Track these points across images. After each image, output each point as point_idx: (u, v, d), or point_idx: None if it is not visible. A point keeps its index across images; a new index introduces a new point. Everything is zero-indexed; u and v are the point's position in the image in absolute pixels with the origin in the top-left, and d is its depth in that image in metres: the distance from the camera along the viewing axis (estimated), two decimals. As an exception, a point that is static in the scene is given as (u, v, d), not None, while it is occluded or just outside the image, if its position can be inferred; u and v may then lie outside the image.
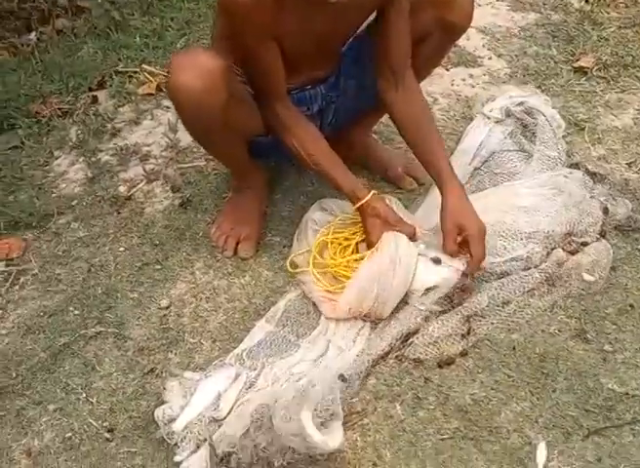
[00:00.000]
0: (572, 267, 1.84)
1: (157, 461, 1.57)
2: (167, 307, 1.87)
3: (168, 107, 2.39)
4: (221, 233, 2.00)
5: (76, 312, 1.87)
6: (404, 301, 1.75)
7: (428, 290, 1.74)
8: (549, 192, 1.96)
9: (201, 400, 1.58)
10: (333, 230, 1.86)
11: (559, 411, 1.59)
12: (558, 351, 1.70)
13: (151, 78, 2.53)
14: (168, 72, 1.64)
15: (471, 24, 1.91)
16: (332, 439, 1.47)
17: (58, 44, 2.78)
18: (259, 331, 1.78)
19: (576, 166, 2.10)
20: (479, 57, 2.59)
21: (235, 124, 1.74)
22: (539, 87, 2.42)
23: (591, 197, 1.98)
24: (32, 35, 2.86)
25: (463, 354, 1.71)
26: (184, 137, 2.25)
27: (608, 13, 2.70)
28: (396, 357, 1.71)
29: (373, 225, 1.77)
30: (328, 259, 1.81)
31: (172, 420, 1.56)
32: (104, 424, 1.64)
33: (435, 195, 1.98)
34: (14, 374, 1.74)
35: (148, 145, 2.34)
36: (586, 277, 1.81)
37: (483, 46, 2.64)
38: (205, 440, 1.53)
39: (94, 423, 1.65)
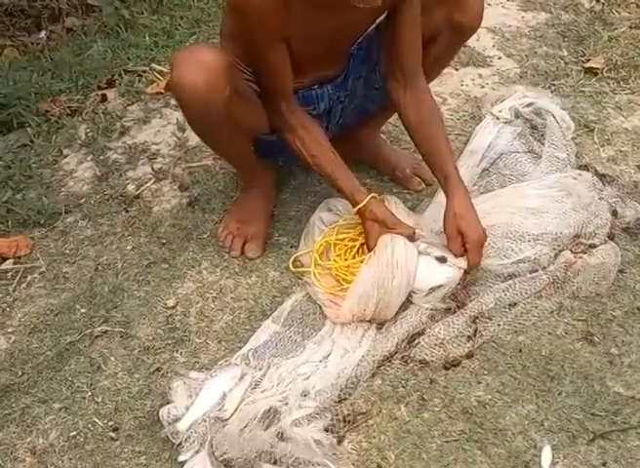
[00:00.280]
0: (579, 269, 1.83)
1: (161, 461, 1.57)
2: (173, 306, 1.87)
3: (177, 106, 2.38)
4: (228, 233, 2.00)
5: (83, 311, 1.88)
6: (408, 301, 1.75)
7: (432, 289, 1.73)
8: (558, 194, 1.95)
9: (206, 399, 1.59)
10: (337, 231, 1.86)
11: (565, 415, 1.58)
12: (564, 354, 1.69)
13: (160, 77, 2.54)
14: (171, 68, 1.64)
15: (481, 24, 1.90)
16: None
17: (67, 42, 2.80)
18: (264, 332, 1.78)
19: (585, 167, 2.09)
20: (489, 56, 2.58)
21: (239, 121, 1.74)
22: (548, 87, 2.41)
23: (600, 199, 1.97)
24: (42, 34, 2.88)
25: (469, 356, 1.70)
26: (193, 136, 2.25)
27: (619, 13, 2.69)
28: (402, 358, 1.71)
29: (371, 229, 1.77)
30: (332, 261, 1.81)
31: (176, 420, 1.56)
32: (109, 423, 1.65)
33: (443, 196, 1.98)
34: (19, 373, 1.75)
35: (157, 144, 2.35)
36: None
37: (493, 46, 2.62)
38: (209, 440, 1.53)
39: (99, 422, 1.65)
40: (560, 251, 1.86)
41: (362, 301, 1.71)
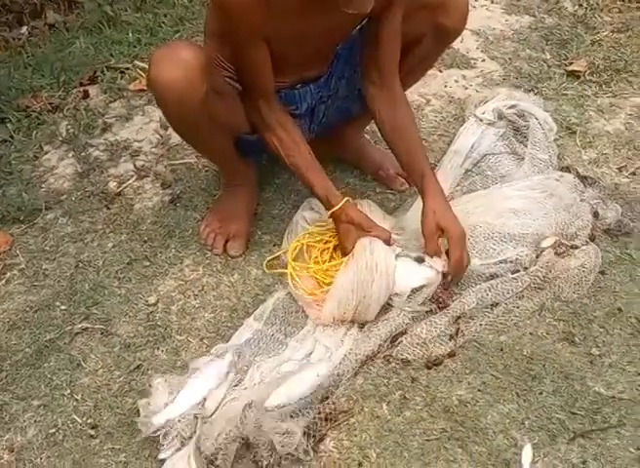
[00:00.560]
0: (561, 270, 1.84)
1: (141, 459, 1.56)
2: (154, 304, 1.86)
3: (159, 104, 2.38)
4: (211, 231, 1.99)
5: (63, 308, 1.86)
6: (389, 305, 1.75)
7: (414, 290, 1.73)
8: (540, 195, 1.96)
9: (187, 399, 1.57)
10: (309, 235, 1.86)
11: (545, 414, 1.58)
12: (546, 354, 1.70)
13: (143, 74, 2.52)
14: (149, 65, 1.64)
15: (465, 27, 1.91)
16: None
17: (49, 38, 2.78)
18: (246, 330, 1.77)
19: (567, 169, 2.11)
20: (473, 59, 2.59)
21: (218, 119, 1.74)
22: (531, 90, 2.42)
23: (581, 200, 1.98)
24: (24, 29, 2.86)
25: (451, 355, 1.71)
26: (175, 134, 2.21)
27: (601, 17, 2.71)
28: (384, 357, 1.71)
29: (347, 232, 1.77)
30: (310, 263, 1.81)
31: (154, 414, 1.54)
32: (89, 421, 1.63)
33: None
34: (-2, 369, 1.73)
35: (139, 141, 2.33)
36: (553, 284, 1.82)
37: (477, 48, 2.64)
38: (190, 437, 1.53)
39: (78, 419, 1.64)
40: (542, 251, 1.87)
41: (342, 305, 1.71)
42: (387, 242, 1.76)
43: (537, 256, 1.86)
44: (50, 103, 2.45)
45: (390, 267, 1.72)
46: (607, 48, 2.56)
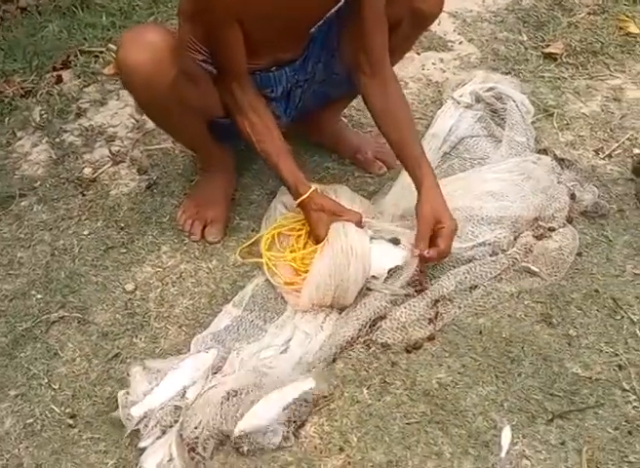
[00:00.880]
0: (539, 253, 1.85)
1: (121, 447, 1.55)
2: (132, 291, 1.85)
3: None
4: (188, 217, 1.97)
5: (39, 296, 1.84)
6: (368, 288, 1.75)
7: (391, 271, 1.73)
8: (518, 177, 1.96)
9: (166, 390, 1.57)
10: (279, 226, 1.86)
11: (524, 395, 1.60)
12: (524, 336, 1.70)
13: (117, 58, 2.48)
14: (117, 48, 1.62)
15: (442, 10, 1.90)
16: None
17: (21, 22, 2.74)
18: (225, 316, 1.76)
19: (544, 151, 2.11)
20: (450, 41, 2.58)
21: (190, 103, 1.73)
22: (508, 72, 2.42)
23: (559, 183, 1.99)
24: (-5, 13, 2.79)
25: (431, 338, 1.71)
26: (151, 119, 2.22)
27: (578, -1, 2.71)
28: (364, 342, 1.71)
29: (318, 219, 1.76)
30: (286, 252, 1.80)
31: (133, 404, 1.54)
32: (67, 410, 1.62)
33: (405, 180, 1.98)
34: (-27, 359, 1.71)
35: (114, 126, 2.30)
36: (532, 268, 1.81)
37: (454, 30, 2.63)
38: (170, 426, 1.52)
39: (56, 409, 1.62)
40: (520, 234, 1.87)
41: (320, 290, 1.71)
42: (359, 224, 1.76)
43: (515, 239, 1.86)
44: (22, 88, 2.42)
45: (365, 249, 1.72)
46: (583, 30, 2.56)
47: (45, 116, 2.33)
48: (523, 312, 1.76)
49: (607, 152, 2.15)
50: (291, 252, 1.81)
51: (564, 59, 2.46)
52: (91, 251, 1.94)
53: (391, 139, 1.84)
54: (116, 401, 1.58)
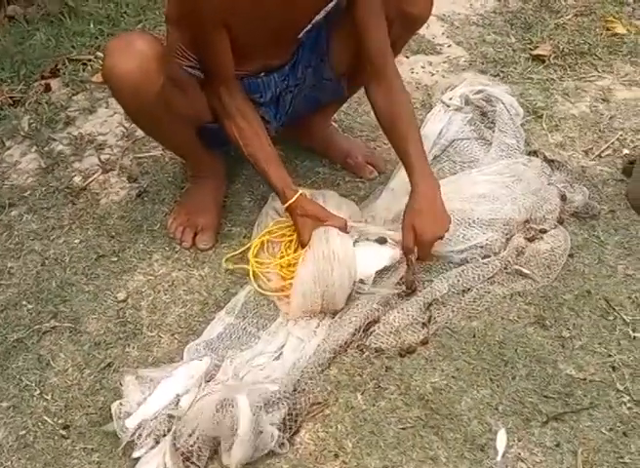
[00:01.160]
0: (531, 255, 1.85)
1: (115, 458, 1.54)
2: (124, 300, 1.84)
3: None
4: (179, 224, 1.97)
5: (30, 306, 1.83)
6: (358, 292, 1.75)
7: (379, 273, 1.74)
8: (508, 179, 1.97)
9: (159, 399, 1.56)
10: (268, 232, 1.86)
11: (518, 398, 1.59)
12: (517, 338, 1.70)
13: (106, 66, 2.47)
14: (104, 57, 1.61)
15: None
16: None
17: (9, 31, 2.73)
18: (218, 324, 1.76)
19: (534, 153, 2.11)
20: (438, 44, 2.59)
21: (178, 110, 1.73)
22: (497, 75, 2.43)
23: (549, 184, 2.00)
24: (-18, 22, 2.78)
25: (424, 342, 1.71)
26: (141, 127, 2.21)
27: (565, 1, 2.72)
28: (357, 347, 1.70)
29: (303, 224, 1.76)
30: (277, 259, 1.80)
31: (127, 416, 1.53)
32: (60, 421, 1.61)
33: (396, 184, 1.98)
34: (-35, 371, 1.70)
35: (104, 135, 2.30)
36: (524, 271, 1.82)
37: (442, 34, 2.63)
38: (164, 435, 1.51)
39: (49, 420, 1.61)
40: (511, 236, 1.87)
41: (307, 298, 1.71)
42: (343, 229, 1.75)
43: (506, 241, 1.86)
44: (11, 97, 2.41)
45: (349, 253, 1.72)
46: (571, 31, 2.57)
47: (34, 125, 2.32)
48: (516, 314, 1.76)
49: (597, 153, 2.15)
50: (280, 258, 1.80)
51: (552, 61, 2.47)
52: (82, 260, 1.93)
53: (393, 143, 1.84)
54: (109, 411, 1.57)
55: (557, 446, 1.52)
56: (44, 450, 1.57)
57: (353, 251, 1.73)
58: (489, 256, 1.83)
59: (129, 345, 1.74)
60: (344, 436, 1.55)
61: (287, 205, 1.76)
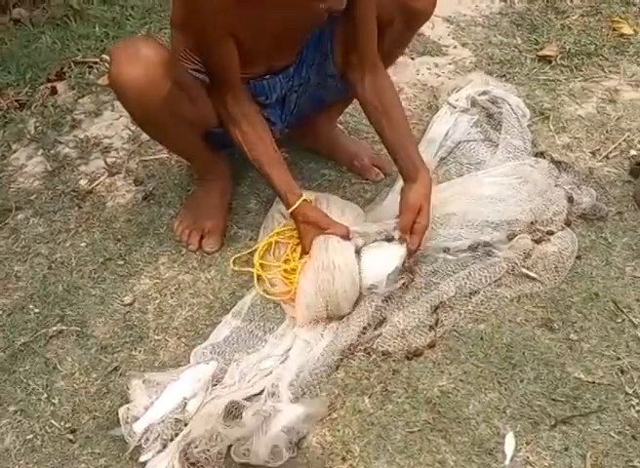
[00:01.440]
0: (538, 257, 1.84)
1: (122, 462, 1.54)
2: (130, 304, 1.83)
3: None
4: (185, 227, 1.96)
5: (36, 310, 1.83)
6: (369, 296, 1.74)
7: (390, 275, 1.73)
8: (515, 181, 1.97)
9: (166, 403, 1.56)
10: (277, 233, 1.85)
11: (527, 401, 1.59)
12: (525, 341, 1.70)
13: (111, 69, 2.47)
14: (109, 63, 1.61)
15: (436, 13, 1.90)
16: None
17: (15, 34, 2.72)
18: (225, 327, 1.75)
19: (541, 155, 2.10)
20: (444, 46, 2.58)
21: (184, 115, 1.72)
22: (503, 76, 2.41)
23: (556, 186, 1.99)
24: (-13, 25, 2.78)
25: (431, 346, 1.70)
26: (146, 130, 2.21)
27: (571, 1, 2.70)
28: (364, 350, 1.70)
29: (305, 231, 1.76)
30: (281, 262, 1.80)
31: (135, 420, 1.53)
32: (67, 425, 1.61)
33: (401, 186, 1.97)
34: (-28, 375, 1.70)
35: (110, 137, 2.29)
36: (531, 275, 1.81)
37: (448, 35, 2.62)
38: (171, 439, 1.51)
39: (56, 424, 1.61)
40: (518, 238, 1.87)
41: (311, 309, 1.71)
42: (345, 237, 1.75)
43: (510, 240, 1.86)
44: (17, 100, 2.41)
45: (349, 261, 1.71)
46: (577, 32, 2.56)
47: (40, 128, 2.32)
48: (523, 317, 1.75)
49: (604, 154, 2.14)
50: (285, 261, 1.80)
51: (558, 62, 2.46)
52: (88, 263, 1.93)
53: (384, 136, 1.84)
54: (116, 415, 1.57)
55: (566, 449, 1.51)
56: (51, 455, 1.57)
57: (354, 258, 1.72)
58: (496, 258, 1.82)
59: (135, 349, 1.74)
60: (352, 439, 1.55)
61: (290, 210, 1.76)
